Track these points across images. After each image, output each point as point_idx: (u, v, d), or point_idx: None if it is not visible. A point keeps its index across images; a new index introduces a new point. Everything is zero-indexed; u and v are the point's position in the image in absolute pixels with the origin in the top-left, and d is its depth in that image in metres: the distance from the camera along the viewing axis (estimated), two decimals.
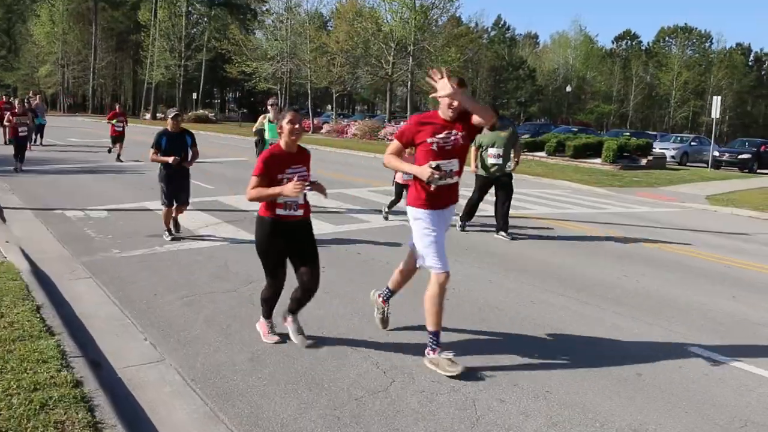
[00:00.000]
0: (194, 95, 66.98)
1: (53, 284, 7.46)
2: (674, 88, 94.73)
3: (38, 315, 5.97)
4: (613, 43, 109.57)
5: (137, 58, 74.61)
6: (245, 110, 72.21)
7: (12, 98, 34.46)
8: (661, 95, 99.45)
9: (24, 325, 5.62)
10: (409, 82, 42.83)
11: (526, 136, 42.79)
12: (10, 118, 18.26)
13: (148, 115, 66.19)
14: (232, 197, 14.31)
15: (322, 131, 47.65)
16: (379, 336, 6.35)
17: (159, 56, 62.87)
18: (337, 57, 46.09)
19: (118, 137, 22.37)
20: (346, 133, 44.50)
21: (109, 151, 23.63)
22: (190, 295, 7.38)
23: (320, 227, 11.15)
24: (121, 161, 21.60)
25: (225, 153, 27.78)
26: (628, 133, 41.69)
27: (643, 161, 31.81)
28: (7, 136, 19.76)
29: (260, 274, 6.33)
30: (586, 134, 38.64)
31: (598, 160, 31.19)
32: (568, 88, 72.93)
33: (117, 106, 23.96)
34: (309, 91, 49.83)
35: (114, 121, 22.41)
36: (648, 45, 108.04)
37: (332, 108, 53.69)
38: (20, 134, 17.64)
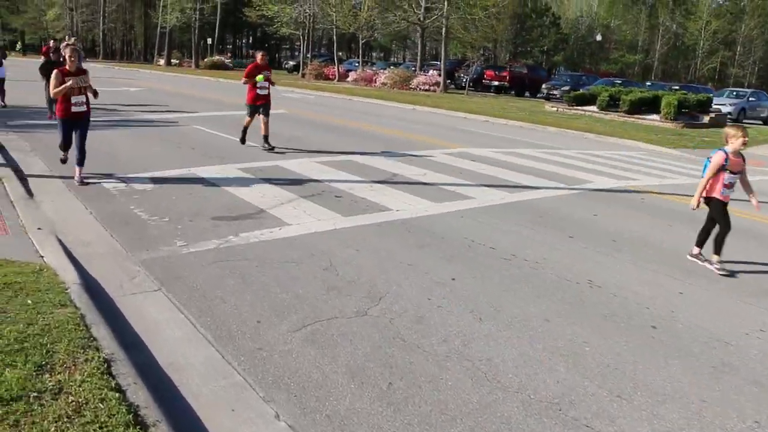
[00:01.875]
0: (209, 40, 63.84)
1: (114, 306, 5.19)
2: (702, 38, 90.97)
3: (113, 382, 3.74)
4: None
5: (149, 1, 71.29)
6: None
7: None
8: (687, 45, 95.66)
9: (98, 410, 3.37)
10: (444, 28, 39.73)
11: (566, 88, 40.12)
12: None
13: (162, 61, 63.25)
14: (293, 162, 11.94)
15: (348, 80, 44.88)
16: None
17: None
18: (365, 0, 42.97)
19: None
20: (375, 82, 41.80)
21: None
22: (307, 321, 5.19)
23: (413, 204, 8.86)
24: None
25: None
26: (677, 86, 38.83)
27: (705, 118, 29.16)
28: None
29: (387, 284, 5.53)
30: (638, 87, 35.73)
31: (656, 116, 28.66)
32: (598, 37, 69.67)
33: (259, 55, 14.28)
34: (335, 37, 46.79)
35: (260, 79, 13.49)
36: None
37: (359, 55, 50.63)
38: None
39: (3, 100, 18.32)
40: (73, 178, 9.52)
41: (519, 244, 7.82)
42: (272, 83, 13.67)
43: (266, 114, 13.42)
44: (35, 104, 19.07)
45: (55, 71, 9.33)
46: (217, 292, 5.72)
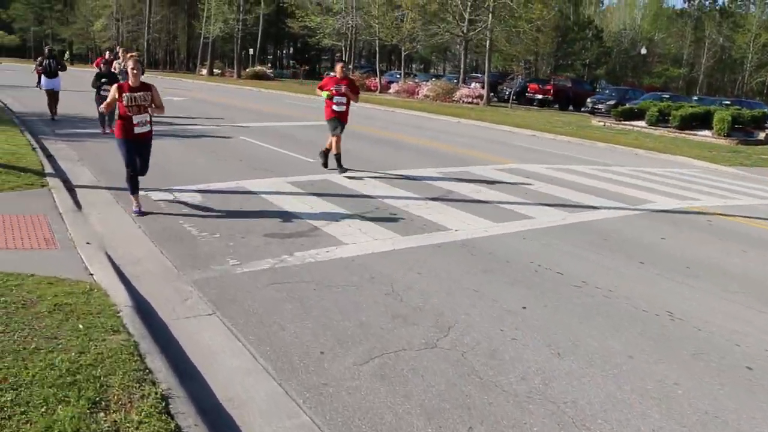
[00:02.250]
0: (251, 51, 64.23)
1: (168, 332, 4.85)
2: (751, 51, 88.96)
3: (172, 423, 3.39)
4: (684, 2, 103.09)
5: (192, 12, 72.13)
6: (306, 67, 69.17)
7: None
8: (734, 59, 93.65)
9: None
10: (488, 41, 39.25)
11: (612, 102, 39.30)
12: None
13: (204, 71, 63.81)
14: (343, 176, 11.54)
15: (389, 91, 44.60)
16: None
17: (217, 9, 60.12)
18: (408, 12, 42.70)
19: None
20: (417, 94, 41.46)
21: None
22: (373, 353, 4.82)
23: (472, 223, 8.41)
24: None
25: (304, 115, 24.97)
26: (728, 101, 37.73)
27: (761, 135, 28.17)
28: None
29: (455, 312, 5.56)
30: (686, 102, 34.76)
31: (707, 133, 27.77)
32: (643, 50, 68.38)
33: (338, 66, 12.53)
34: (376, 49, 46.60)
35: (331, 93, 11.82)
36: (723, 4, 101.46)
37: (401, 66, 50.38)
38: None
39: (54, 113, 17.73)
40: (122, 189, 9.24)
41: (587, 269, 7.33)
42: (351, 98, 12.00)
43: (341, 131, 12.05)
44: (83, 113, 19.10)
45: (115, 86, 8.23)
46: (275, 317, 5.34)
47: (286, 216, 8.57)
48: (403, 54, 46.86)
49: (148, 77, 32.02)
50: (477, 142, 19.98)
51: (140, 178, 8.49)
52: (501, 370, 4.78)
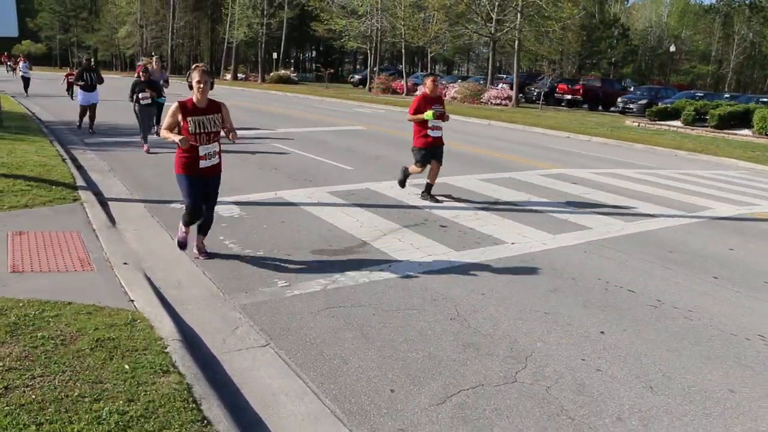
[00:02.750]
0: (274, 55, 64.02)
1: (221, 369, 4.36)
2: None
3: None
4: None
5: (215, 17, 72.16)
6: (332, 70, 68.79)
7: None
8: (765, 54, 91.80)
9: None
10: (516, 41, 38.53)
11: (644, 101, 38.40)
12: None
13: (228, 75, 63.69)
14: (384, 184, 11.05)
15: (416, 93, 43.95)
16: None
17: (241, 14, 59.99)
18: (435, 14, 42.12)
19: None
20: (445, 96, 40.76)
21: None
22: (449, 390, 4.38)
23: (528, 235, 7.85)
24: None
25: (335, 120, 24.48)
26: (766, 99, 36.69)
27: None
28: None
29: (530, 338, 5.15)
30: (722, 101, 33.80)
31: (747, 132, 26.88)
32: (672, 48, 67.04)
33: (429, 81, 10.45)
34: (402, 51, 46.08)
35: (429, 116, 9.93)
36: None
37: (426, 68, 49.73)
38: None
39: (92, 126, 16.91)
40: (156, 201, 8.80)
41: (659, 286, 6.75)
42: (446, 119, 10.21)
43: (439, 160, 10.17)
44: (110, 120, 18.79)
45: (175, 105, 6.23)
46: (336, 349, 4.82)
47: (332, 230, 8.07)
48: (429, 56, 46.20)
49: (173, 83, 31.44)
50: (513, 145, 19.37)
51: (163, 191, 7.72)
52: (592, 408, 4.23)
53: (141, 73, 14.44)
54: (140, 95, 13.95)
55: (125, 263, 6.43)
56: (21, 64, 32.43)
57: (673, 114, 29.72)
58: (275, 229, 8.04)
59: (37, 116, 20.02)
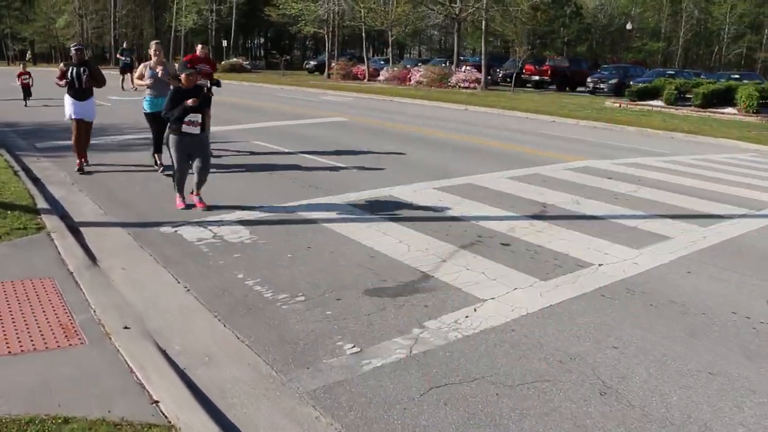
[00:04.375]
0: (224, 42, 61.28)
1: None
2: (727, 23, 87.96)
3: None
4: None
5: (159, 4, 68.82)
6: (288, 57, 66.21)
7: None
8: (711, 30, 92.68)
9: None
10: (483, 21, 36.93)
11: (614, 81, 37.36)
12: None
13: (176, 65, 60.68)
14: (405, 189, 9.38)
15: (378, 78, 42.16)
16: None
17: (189, 0, 56.97)
18: None
19: None
20: (409, 81, 39.11)
21: None
22: None
23: (610, 252, 6.33)
24: None
25: (306, 111, 22.50)
26: (737, 75, 36.09)
27: None
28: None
29: (719, 420, 3.79)
30: (705, 79, 32.94)
31: (731, 110, 25.93)
32: (629, 26, 66.47)
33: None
34: (363, 35, 44.10)
35: None
36: None
37: (381, 53, 47.95)
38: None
39: (83, 158, 10.74)
40: (138, 224, 6.97)
41: None
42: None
43: None
44: (57, 120, 16.54)
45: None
46: None
47: (375, 256, 6.37)
48: (390, 39, 44.34)
49: (116, 75, 28.78)
50: (509, 133, 17.86)
51: (145, 209, 6.25)
52: None
53: (183, 76, 8.10)
54: (190, 118, 7.87)
55: (126, 327, 4.59)
56: None
57: (653, 93, 28.65)
58: (304, 258, 6.28)
59: None
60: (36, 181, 9.49)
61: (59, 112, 17.58)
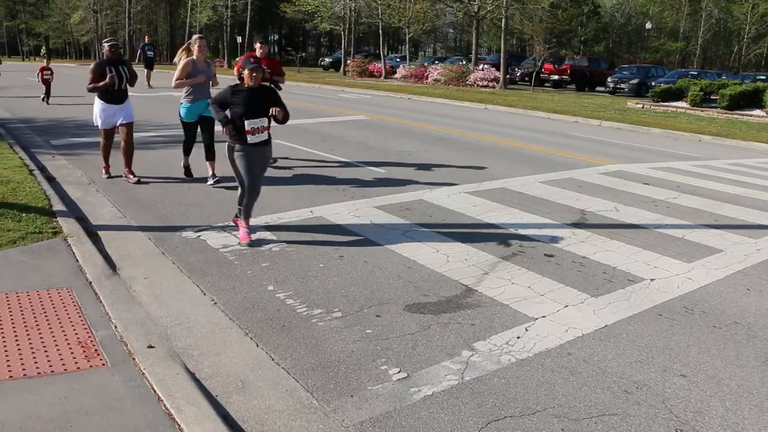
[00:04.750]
0: (239, 39, 60.95)
1: None
2: (748, 22, 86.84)
3: None
4: None
5: (173, 0, 68.63)
6: (303, 53, 65.82)
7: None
8: (731, 30, 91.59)
9: None
10: (504, 19, 36.40)
11: (635, 81, 36.77)
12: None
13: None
14: (438, 193, 8.97)
15: (395, 76, 41.71)
16: None
17: None
18: None
19: None
20: (426, 79, 38.63)
21: None
22: None
23: (659, 265, 5.96)
24: None
25: (327, 108, 22.09)
26: (763, 77, 35.36)
27: None
28: None
29: None
30: (730, 80, 32.26)
31: (760, 112, 25.31)
32: (648, 25, 65.66)
33: None
34: (380, 32, 43.65)
35: None
36: None
37: (396, 51, 47.44)
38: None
39: (130, 169, 9.52)
40: (158, 228, 6.59)
41: None
42: None
43: None
44: (76, 117, 16.25)
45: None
46: None
47: (412, 267, 5.98)
48: (407, 37, 43.85)
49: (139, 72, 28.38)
50: (534, 134, 17.42)
51: (166, 211, 5.84)
52: None
53: (247, 74, 6.54)
54: (253, 124, 6.45)
55: (151, 346, 4.19)
56: None
57: (676, 94, 28.05)
58: (337, 268, 5.88)
59: None
60: (51, 180, 9.15)
61: (74, 109, 17.29)
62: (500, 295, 5.45)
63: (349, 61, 45.62)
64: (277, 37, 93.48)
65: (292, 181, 9.62)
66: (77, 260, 5.88)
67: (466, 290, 5.52)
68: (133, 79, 9.25)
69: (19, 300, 4.86)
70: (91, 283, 5.40)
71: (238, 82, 6.56)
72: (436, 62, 45.02)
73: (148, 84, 27.61)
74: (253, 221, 7.19)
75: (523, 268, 6.12)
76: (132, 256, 6.18)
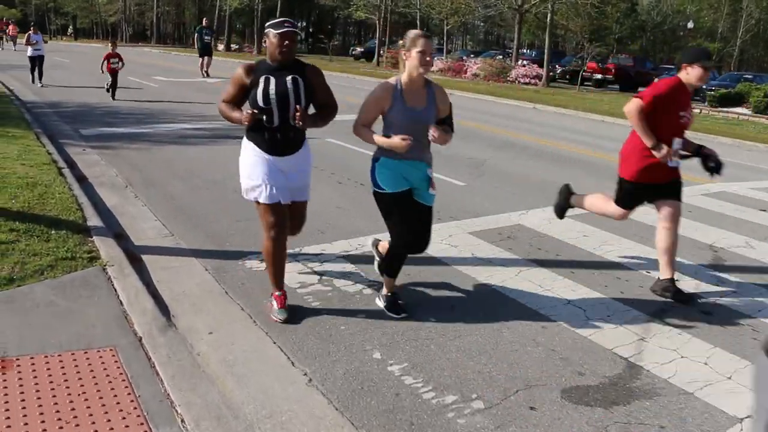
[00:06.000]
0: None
1: None
2: None
3: None
4: None
5: None
6: (336, 42, 64.36)
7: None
8: None
9: None
10: (549, 14, 34.76)
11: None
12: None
13: (221, 46, 59.19)
14: (531, 215, 7.56)
15: (433, 69, 40.10)
16: None
17: None
18: None
19: None
20: (465, 73, 37.06)
21: None
22: None
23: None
24: None
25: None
26: None
27: None
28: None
29: None
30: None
31: None
32: (690, 24, 63.57)
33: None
34: (418, 22, 42.13)
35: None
36: None
37: (444, 43, 45.89)
38: None
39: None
40: (215, 253, 5.27)
41: None
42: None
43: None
44: (103, 102, 14.94)
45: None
46: None
47: (548, 328, 4.74)
48: (445, 29, 42.29)
49: (160, 54, 27.27)
50: (602, 141, 16.03)
51: (219, 227, 5.24)
52: None
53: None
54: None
55: None
56: (32, 35, 19.51)
57: (736, 99, 26.33)
58: (455, 328, 4.67)
59: (16, 95, 16.12)
60: (83, 180, 7.86)
61: (106, 94, 15.95)
62: (674, 376, 4.07)
63: (382, 52, 44.06)
64: (305, 23, 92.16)
65: (356, 192, 8.26)
66: (121, 302, 4.55)
67: (629, 367, 4.14)
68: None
69: (48, 366, 3.55)
70: (141, 339, 4.08)
71: None
72: (472, 56, 43.41)
73: (205, 73, 24.77)
74: (328, 248, 5.83)
75: (683, 332, 4.73)
76: (188, 296, 4.85)
